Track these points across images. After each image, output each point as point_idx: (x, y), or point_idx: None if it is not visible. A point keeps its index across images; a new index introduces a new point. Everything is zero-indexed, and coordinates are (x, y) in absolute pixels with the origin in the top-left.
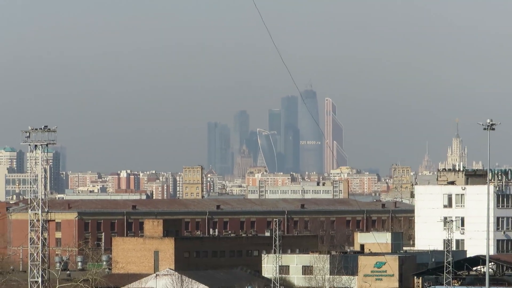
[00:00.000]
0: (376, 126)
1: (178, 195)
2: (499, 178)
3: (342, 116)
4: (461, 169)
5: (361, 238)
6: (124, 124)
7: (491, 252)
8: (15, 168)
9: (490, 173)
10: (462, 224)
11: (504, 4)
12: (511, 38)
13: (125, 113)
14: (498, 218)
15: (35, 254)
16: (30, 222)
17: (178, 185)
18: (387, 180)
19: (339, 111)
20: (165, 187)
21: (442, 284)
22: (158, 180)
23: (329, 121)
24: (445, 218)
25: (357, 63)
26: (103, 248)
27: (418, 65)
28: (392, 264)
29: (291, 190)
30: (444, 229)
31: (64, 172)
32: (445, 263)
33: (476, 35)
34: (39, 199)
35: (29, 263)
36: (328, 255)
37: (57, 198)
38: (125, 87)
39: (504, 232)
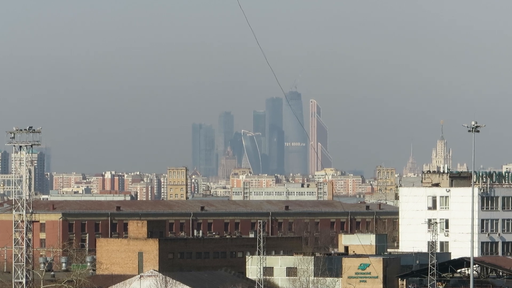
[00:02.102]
0: (360, 128)
1: (162, 196)
2: (484, 181)
3: (326, 117)
4: (446, 171)
5: (345, 240)
6: (109, 125)
7: (476, 255)
8: (0, 169)
9: (475, 176)
10: (447, 226)
11: (491, 5)
12: (498, 39)
13: (110, 114)
14: (482, 221)
15: (19, 255)
16: (14, 223)
17: (162, 186)
18: (371, 182)
19: (324, 112)
20: (149, 188)
21: (426, 286)
22: (142, 181)
23: (313, 122)
24: (430, 220)
25: (342, 64)
26: (87, 249)
27: (403, 67)
28: (376, 266)
29: (275, 192)
30: (429, 231)
31: (48, 173)
32: (429, 265)
33: (463, 36)
34: (24, 200)
35: (13, 264)
36: (312, 257)
37: (41, 199)
38: (110, 88)
39: (488, 235)
